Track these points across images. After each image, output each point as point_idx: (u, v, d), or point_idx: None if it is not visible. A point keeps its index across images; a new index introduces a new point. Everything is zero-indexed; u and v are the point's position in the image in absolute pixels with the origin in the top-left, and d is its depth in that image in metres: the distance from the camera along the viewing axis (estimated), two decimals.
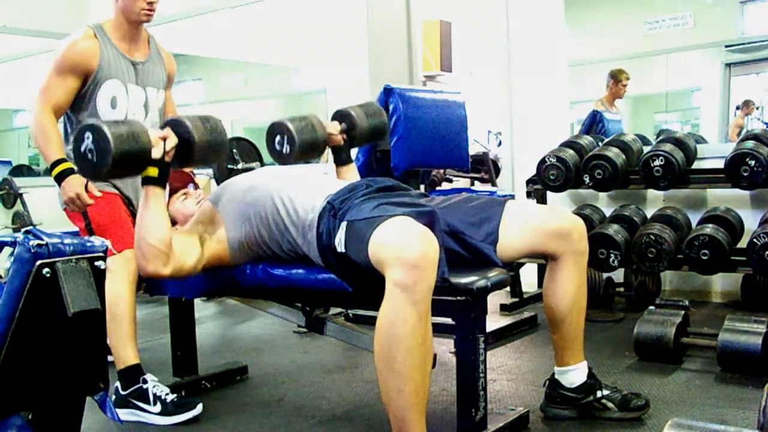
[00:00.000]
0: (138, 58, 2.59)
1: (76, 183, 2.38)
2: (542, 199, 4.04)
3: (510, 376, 2.76)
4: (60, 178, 2.41)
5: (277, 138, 2.43)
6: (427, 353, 1.76)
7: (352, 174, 2.57)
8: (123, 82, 2.53)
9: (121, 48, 2.54)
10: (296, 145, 2.34)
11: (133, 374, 2.41)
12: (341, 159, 2.57)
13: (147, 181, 2.03)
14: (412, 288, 1.68)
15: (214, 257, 2.20)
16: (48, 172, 2.46)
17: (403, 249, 1.71)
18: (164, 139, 2.01)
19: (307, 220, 2.05)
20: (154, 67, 2.65)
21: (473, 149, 5.16)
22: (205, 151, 2.07)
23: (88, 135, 1.91)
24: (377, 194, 2.06)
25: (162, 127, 2.07)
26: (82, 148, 1.92)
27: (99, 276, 1.52)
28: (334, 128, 2.52)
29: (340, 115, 2.57)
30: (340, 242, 1.93)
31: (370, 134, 2.60)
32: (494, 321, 3.41)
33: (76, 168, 2.01)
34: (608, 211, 4.03)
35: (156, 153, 1.98)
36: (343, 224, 1.92)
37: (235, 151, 4.28)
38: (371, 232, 1.81)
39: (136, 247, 2.08)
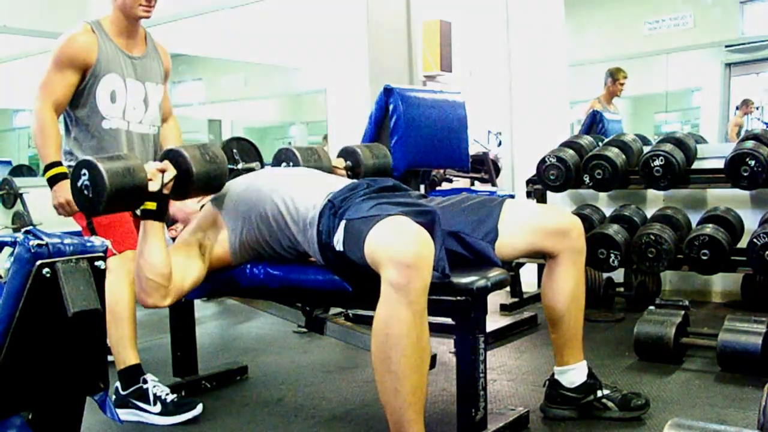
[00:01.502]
0: (135, 53, 2.60)
1: (67, 189, 2.39)
2: (542, 199, 4.04)
3: (510, 376, 2.76)
4: (53, 182, 2.42)
5: (283, 165, 2.51)
6: (424, 353, 1.75)
7: None
8: (122, 76, 2.53)
9: (119, 43, 2.54)
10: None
11: (133, 374, 2.41)
12: None
13: (145, 215, 2.01)
14: (406, 288, 1.68)
15: (217, 261, 2.19)
16: (43, 172, 2.46)
17: (397, 249, 1.71)
18: (162, 172, 1.99)
19: (308, 218, 2.05)
20: (152, 62, 2.66)
21: (473, 149, 5.17)
22: (204, 181, 2.06)
23: (84, 172, 1.90)
24: (377, 194, 2.06)
25: (160, 159, 2.05)
26: (79, 184, 1.92)
27: (99, 276, 1.52)
28: (340, 163, 2.61)
29: (345, 153, 2.65)
30: (338, 241, 1.93)
31: (373, 173, 2.66)
32: (494, 321, 3.41)
33: (75, 202, 2.00)
34: (608, 211, 4.03)
35: (154, 186, 1.96)
36: (342, 223, 1.93)
37: (235, 151, 4.28)
38: (367, 231, 1.81)
39: (135, 280, 2.06)
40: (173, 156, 2.04)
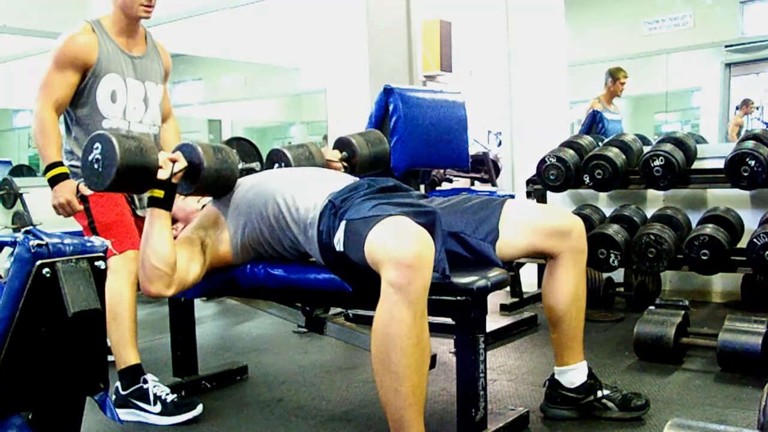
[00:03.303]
0: (136, 52, 2.60)
1: (67, 189, 2.40)
2: (542, 199, 4.04)
3: (510, 376, 2.76)
4: (53, 182, 2.42)
5: (276, 166, 2.49)
6: (424, 353, 1.75)
7: None
8: (122, 76, 2.53)
9: (119, 43, 2.54)
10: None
11: (133, 374, 2.41)
12: None
13: (153, 203, 2.03)
14: (406, 288, 1.68)
15: (217, 260, 2.19)
16: (44, 172, 2.47)
17: (397, 249, 1.71)
18: (173, 162, 2.02)
19: (308, 218, 2.05)
20: (152, 62, 2.66)
21: (473, 149, 5.17)
22: (213, 179, 2.08)
23: (97, 145, 1.92)
24: (378, 194, 2.06)
25: (173, 151, 2.08)
26: (90, 157, 1.93)
27: (99, 276, 1.52)
28: (335, 156, 2.58)
29: (341, 144, 2.62)
30: (339, 241, 1.93)
31: (371, 162, 2.64)
32: (494, 321, 3.41)
33: (82, 175, 2.02)
34: (608, 211, 4.03)
35: (163, 174, 1.99)
36: (342, 223, 1.93)
37: (235, 151, 4.28)
38: (367, 231, 1.81)
39: (139, 267, 2.08)
40: (186, 149, 2.07)
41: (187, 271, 2.10)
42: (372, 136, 2.67)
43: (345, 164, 2.58)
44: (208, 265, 2.17)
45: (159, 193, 2.02)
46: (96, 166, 1.92)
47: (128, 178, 1.93)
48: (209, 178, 2.07)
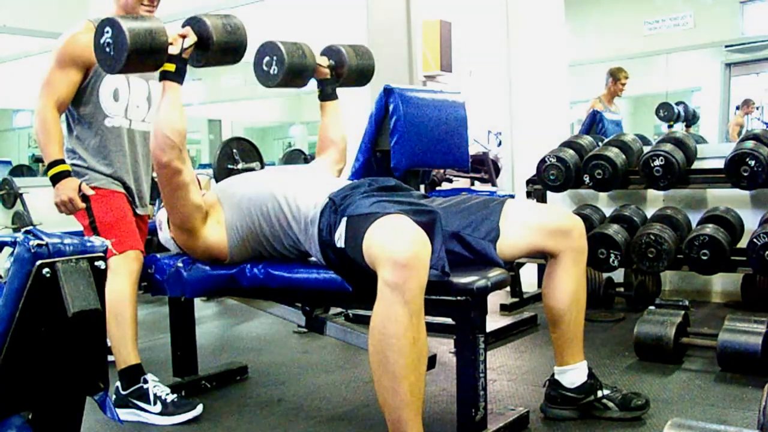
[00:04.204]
0: None
1: (69, 187, 2.40)
2: (542, 199, 4.04)
3: (510, 376, 2.76)
4: (55, 180, 2.42)
5: (266, 59, 2.43)
6: (421, 352, 1.75)
7: (334, 110, 2.62)
8: (125, 74, 2.53)
9: None
10: (285, 67, 2.35)
11: (133, 374, 2.41)
12: (326, 93, 2.61)
13: (164, 76, 2.09)
14: (402, 287, 1.68)
15: (212, 241, 2.22)
16: (46, 170, 2.46)
17: (393, 248, 1.71)
18: (183, 37, 2.07)
19: (309, 216, 2.05)
20: None
21: (473, 149, 5.17)
22: (223, 51, 2.13)
23: (108, 29, 1.97)
24: (378, 192, 2.06)
25: (183, 25, 2.12)
26: (101, 41, 1.98)
27: (99, 276, 1.52)
28: (323, 61, 2.57)
29: (329, 51, 2.62)
30: (339, 237, 1.93)
31: (357, 74, 2.65)
32: (494, 321, 3.41)
33: (96, 57, 2.07)
34: (608, 211, 4.03)
35: (174, 50, 2.05)
36: (344, 220, 1.93)
37: (235, 151, 4.28)
38: (366, 229, 1.81)
39: (151, 138, 2.13)
40: (195, 23, 2.11)
41: (197, 190, 2.17)
42: (361, 49, 2.68)
43: (332, 72, 2.58)
44: (206, 233, 2.21)
45: (170, 67, 2.08)
46: (108, 49, 1.98)
47: (140, 60, 1.99)
48: (219, 51, 2.11)
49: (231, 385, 2.78)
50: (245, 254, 2.23)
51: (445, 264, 1.85)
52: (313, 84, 2.64)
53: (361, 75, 2.68)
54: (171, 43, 2.04)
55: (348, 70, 2.60)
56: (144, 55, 1.98)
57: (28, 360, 1.45)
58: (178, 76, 2.11)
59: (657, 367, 2.76)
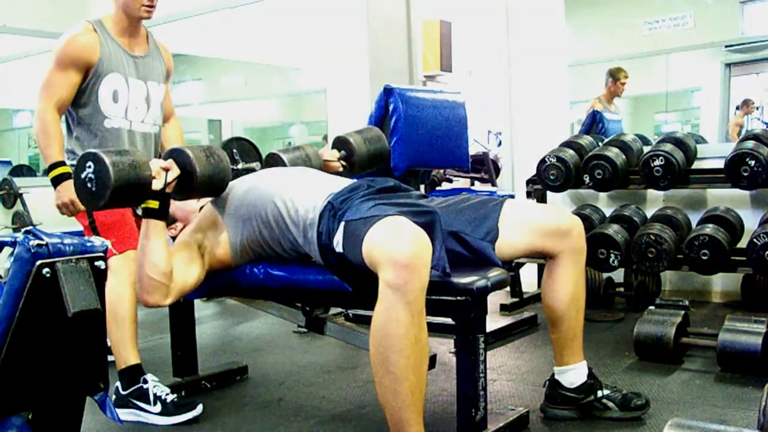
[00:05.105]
0: (138, 52, 2.60)
1: (70, 188, 2.39)
2: (542, 199, 4.04)
3: (510, 376, 2.76)
4: (56, 182, 2.42)
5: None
6: (422, 353, 1.75)
7: None
8: (124, 75, 2.53)
9: (121, 43, 2.54)
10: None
11: (133, 374, 2.41)
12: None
13: (147, 213, 2.02)
14: (403, 288, 1.68)
15: (216, 261, 2.19)
16: (47, 172, 2.46)
17: (394, 249, 1.71)
18: (166, 170, 2.00)
19: (308, 219, 2.05)
20: (154, 61, 2.66)
21: (473, 149, 5.17)
22: (206, 183, 2.06)
23: (90, 164, 1.90)
24: (377, 195, 2.06)
25: (165, 158, 2.06)
26: (83, 176, 1.91)
27: (99, 276, 1.52)
28: (333, 156, 2.58)
29: (338, 143, 2.61)
30: (338, 243, 1.93)
31: (369, 160, 2.63)
32: (494, 321, 3.41)
33: (76, 194, 2.00)
34: (608, 211, 4.03)
35: (157, 185, 1.97)
36: (342, 225, 1.93)
37: (235, 151, 4.27)
38: (365, 232, 1.81)
39: (137, 279, 2.07)
40: (177, 155, 2.04)
41: (184, 279, 2.09)
42: (370, 133, 2.66)
43: (344, 163, 2.57)
44: (207, 267, 2.16)
45: (154, 204, 2.00)
46: (89, 185, 1.91)
47: (123, 195, 1.92)
48: (202, 184, 2.05)
49: (231, 385, 2.78)
50: (246, 258, 2.22)
51: (445, 264, 1.85)
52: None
53: (374, 160, 2.64)
54: (154, 177, 1.96)
55: (359, 158, 2.59)
56: (128, 191, 1.91)
57: (28, 360, 1.45)
58: (162, 213, 2.03)
59: (657, 367, 2.76)
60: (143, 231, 2.04)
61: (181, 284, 2.08)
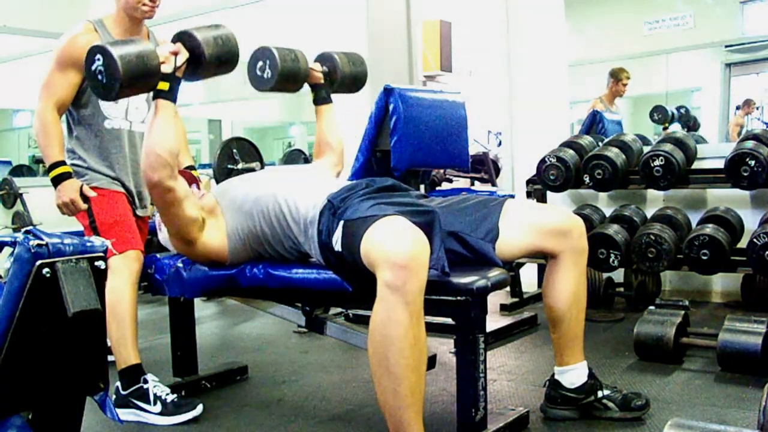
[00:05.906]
0: None
1: (71, 188, 2.40)
2: (542, 199, 4.04)
3: (510, 376, 2.76)
4: (57, 181, 2.42)
5: (260, 63, 2.45)
6: (421, 353, 1.75)
7: (329, 113, 2.62)
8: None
9: None
10: (278, 71, 2.36)
11: (133, 374, 2.41)
12: (321, 97, 2.61)
13: (158, 95, 2.07)
14: (401, 289, 1.68)
15: (212, 247, 2.21)
16: (47, 171, 2.46)
17: (392, 250, 1.71)
18: (175, 54, 2.05)
19: (308, 217, 2.05)
20: None
21: (473, 149, 5.16)
22: (215, 64, 2.11)
23: (98, 57, 1.95)
24: (376, 194, 2.06)
25: (173, 41, 2.10)
26: (93, 68, 1.96)
27: (99, 276, 1.52)
28: (317, 67, 2.59)
29: (322, 57, 2.64)
30: (337, 242, 1.93)
31: (350, 80, 2.67)
32: (494, 321, 3.41)
33: (88, 84, 2.07)
34: (608, 211, 4.03)
35: (167, 68, 2.03)
36: (341, 223, 1.93)
37: (235, 151, 4.28)
38: (364, 231, 1.81)
39: (143, 158, 2.11)
40: (186, 38, 2.08)
41: (191, 200, 2.14)
42: (354, 56, 2.71)
43: (325, 77, 2.59)
44: (204, 239, 2.19)
45: (164, 86, 2.06)
46: (100, 77, 1.96)
47: (132, 85, 1.97)
48: (212, 64, 2.10)
49: (231, 385, 2.78)
50: (245, 256, 2.23)
51: (444, 264, 1.85)
52: None
53: (355, 81, 2.70)
54: (163, 62, 2.02)
55: (341, 76, 2.62)
56: (137, 80, 1.96)
57: (28, 360, 1.45)
58: (172, 95, 2.08)
59: (657, 367, 2.76)
60: (153, 110, 2.09)
61: (185, 189, 2.13)
